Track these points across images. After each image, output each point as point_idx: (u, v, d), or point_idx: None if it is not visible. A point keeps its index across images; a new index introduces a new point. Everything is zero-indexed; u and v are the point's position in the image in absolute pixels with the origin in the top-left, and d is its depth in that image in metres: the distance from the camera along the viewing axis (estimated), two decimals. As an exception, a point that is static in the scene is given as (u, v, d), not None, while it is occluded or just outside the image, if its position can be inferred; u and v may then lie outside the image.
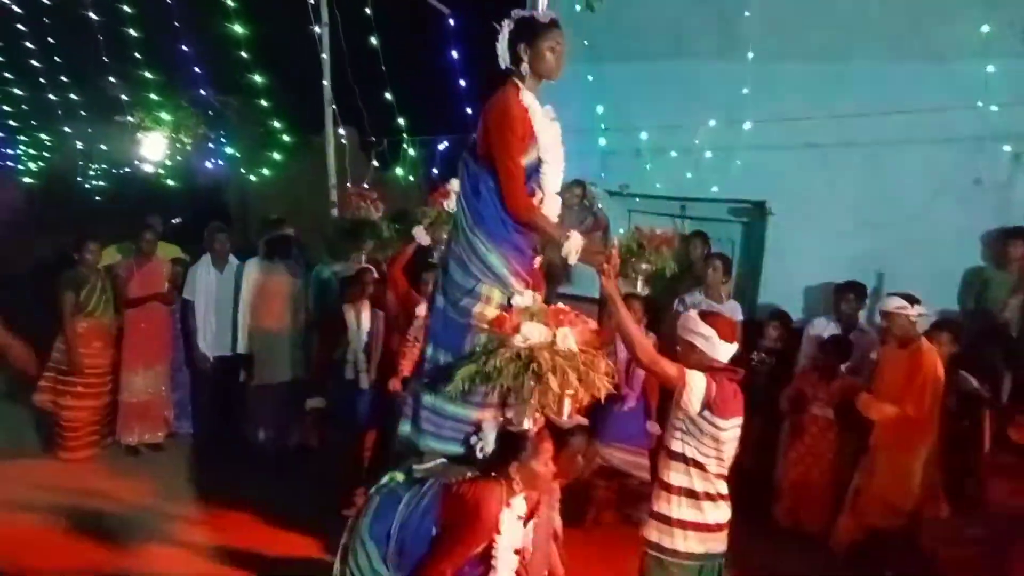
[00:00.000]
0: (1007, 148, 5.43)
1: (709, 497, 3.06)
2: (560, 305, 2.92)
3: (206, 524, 4.77)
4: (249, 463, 5.72)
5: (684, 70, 6.14)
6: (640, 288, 4.87)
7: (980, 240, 5.55)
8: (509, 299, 2.87)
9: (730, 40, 5.64)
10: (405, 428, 3.09)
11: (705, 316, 3.20)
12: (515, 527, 2.74)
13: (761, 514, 5.09)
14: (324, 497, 4.73)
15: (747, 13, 5.30)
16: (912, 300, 4.44)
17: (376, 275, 5.29)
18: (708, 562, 3.10)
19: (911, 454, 4.39)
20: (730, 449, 3.10)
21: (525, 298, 2.83)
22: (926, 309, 4.52)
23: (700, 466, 3.05)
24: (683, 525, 3.05)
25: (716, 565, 3.14)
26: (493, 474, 2.74)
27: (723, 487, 3.13)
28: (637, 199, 6.55)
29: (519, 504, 2.76)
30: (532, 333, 2.66)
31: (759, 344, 5.55)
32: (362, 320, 5.08)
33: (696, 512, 3.05)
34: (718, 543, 3.10)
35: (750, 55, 5.43)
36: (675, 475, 3.07)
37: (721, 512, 3.10)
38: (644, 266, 4.91)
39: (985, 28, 5.29)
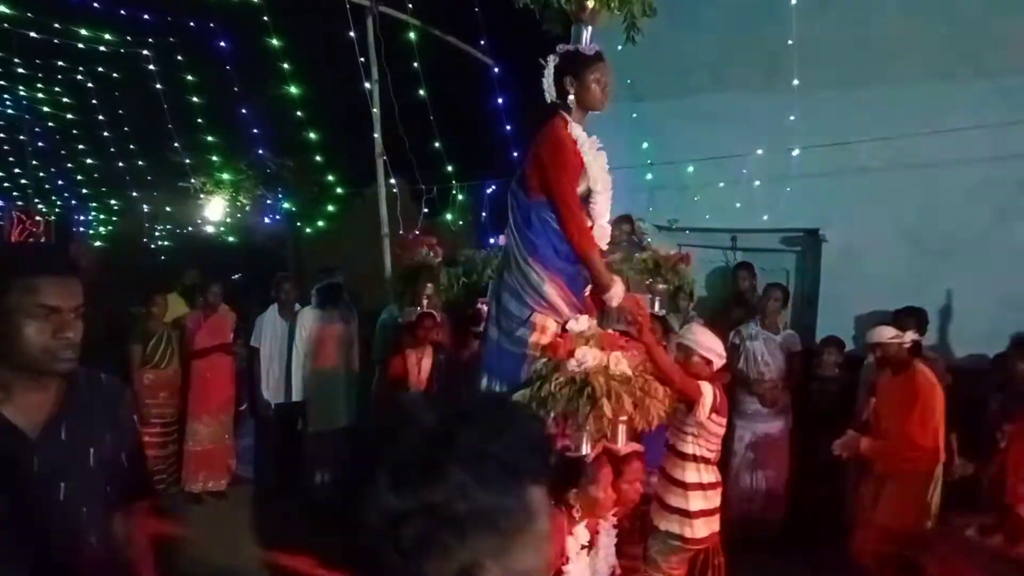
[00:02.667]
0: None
1: (713, 487, 3.60)
2: (612, 332, 2.92)
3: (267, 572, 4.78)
4: (308, 509, 5.74)
5: (728, 102, 6.15)
6: (657, 308, 4.85)
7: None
8: (564, 326, 2.88)
9: (774, 69, 5.64)
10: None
11: (708, 332, 3.74)
12: (580, 556, 2.69)
13: (833, 546, 4.87)
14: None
15: (790, 42, 5.30)
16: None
17: (438, 320, 5.34)
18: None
19: (918, 480, 4.24)
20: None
21: (580, 323, 2.83)
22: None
23: (707, 460, 3.58)
24: (699, 515, 3.53)
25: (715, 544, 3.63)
26: (552, 501, 2.70)
27: (718, 474, 3.68)
28: (687, 233, 6.51)
29: (582, 532, 2.71)
30: (587, 357, 2.66)
31: (817, 373, 5.40)
32: (423, 365, 5.11)
33: (705, 501, 3.56)
34: (717, 524, 3.61)
35: (795, 82, 5.42)
36: (689, 474, 3.55)
37: (718, 496, 3.65)
38: (661, 286, 4.90)
39: (1038, 42, 5.19)
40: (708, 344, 3.62)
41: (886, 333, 4.34)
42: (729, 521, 4.93)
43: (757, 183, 5.95)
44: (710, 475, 3.61)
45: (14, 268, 1.60)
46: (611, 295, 2.91)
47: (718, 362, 3.65)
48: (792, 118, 5.54)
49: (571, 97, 2.89)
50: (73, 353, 1.63)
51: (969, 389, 4.91)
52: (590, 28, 2.98)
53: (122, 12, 7.82)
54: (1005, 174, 5.41)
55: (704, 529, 3.54)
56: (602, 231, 3.07)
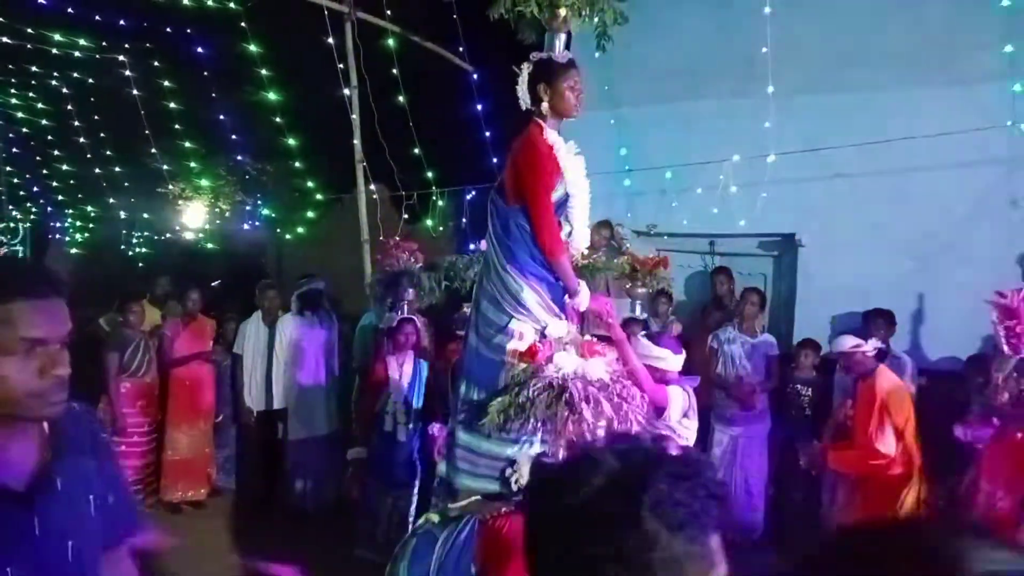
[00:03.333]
0: (1041, 167, 5.37)
1: None
2: (591, 338, 2.95)
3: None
4: (289, 518, 5.71)
5: (705, 108, 6.22)
6: (638, 312, 4.90)
7: (1020, 261, 5.44)
8: (543, 332, 2.90)
9: (749, 75, 5.70)
10: (442, 467, 3.10)
11: (653, 339, 3.77)
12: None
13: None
14: (362, 550, 4.70)
15: (764, 49, 5.37)
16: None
17: (419, 325, 5.34)
18: None
19: (888, 486, 4.19)
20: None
21: (559, 328, 2.85)
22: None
23: None
24: None
25: None
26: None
27: None
28: (665, 238, 6.57)
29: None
30: (565, 362, 2.68)
31: (794, 375, 5.46)
32: (404, 371, 5.10)
33: None
34: None
35: (770, 89, 5.49)
36: None
37: None
38: (640, 290, 4.95)
39: (1009, 48, 5.29)
40: (658, 354, 3.64)
41: (847, 343, 4.36)
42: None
43: (734, 188, 6.00)
44: None
45: None
46: (578, 300, 2.95)
47: (680, 360, 3.70)
48: (767, 124, 5.60)
49: (545, 104, 2.92)
50: (64, 392, 1.35)
51: (943, 392, 4.98)
52: (563, 36, 3.02)
53: (97, 17, 7.76)
54: (977, 178, 5.51)
55: None
56: (580, 235, 3.11)
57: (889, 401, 4.17)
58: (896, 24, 5.65)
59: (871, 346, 4.38)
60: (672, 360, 3.69)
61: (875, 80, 5.70)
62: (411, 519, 4.83)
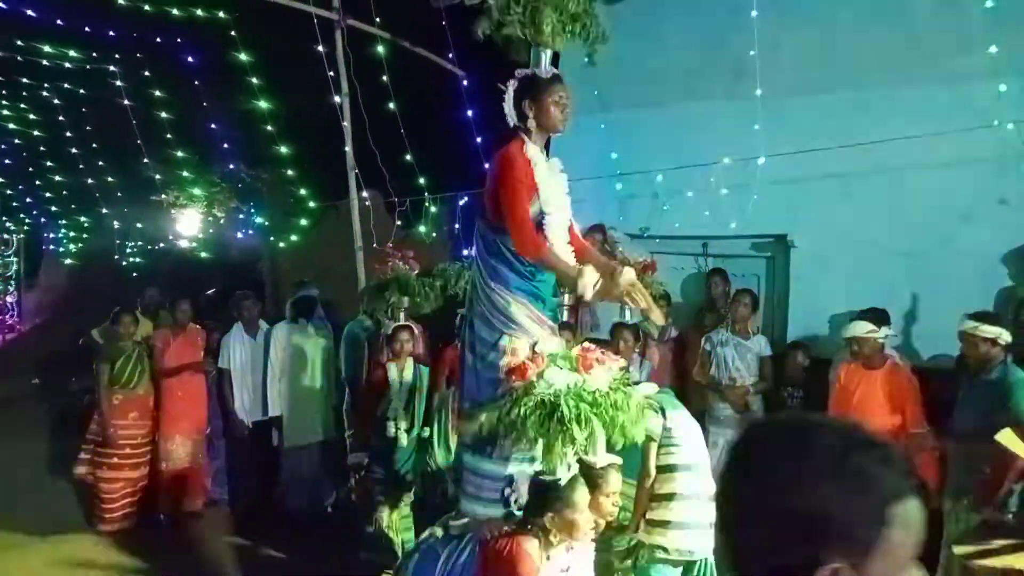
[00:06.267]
0: (1029, 165, 5.39)
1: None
2: (588, 344, 2.94)
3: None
4: (285, 527, 5.72)
5: (695, 111, 6.23)
6: (628, 317, 4.91)
7: (1010, 260, 5.47)
8: (534, 347, 2.90)
9: (738, 78, 5.72)
10: (452, 489, 3.12)
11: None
12: (559, 580, 2.71)
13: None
14: (360, 559, 4.71)
15: (752, 52, 5.39)
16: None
17: (415, 332, 5.35)
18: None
19: None
20: None
21: (551, 343, 2.85)
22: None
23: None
24: (687, 527, 3.48)
25: (707, 562, 3.52)
26: (529, 527, 2.71)
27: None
28: (658, 241, 6.59)
29: (559, 555, 2.72)
30: (557, 379, 2.67)
31: (786, 377, 5.49)
32: (404, 377, 5.12)
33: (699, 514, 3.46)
34: (709, 541, 3.47)
35: (758, 91, 5.50)
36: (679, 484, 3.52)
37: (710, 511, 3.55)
38: None
39: (993, 49, 5.31)
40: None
41: (863, 328, 4.45)
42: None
43: (724, 191, 6.02)
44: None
45: None
46: (581, 286, 2.72)
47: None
48: (756, 126, 5.62)
49: (530, 120, 2.91)
50: None
51: (936, 390, 5.01)
52: (549, 52, 3.01)
53: (87, 28, 7.74)
54: (966, 178, 5.52)
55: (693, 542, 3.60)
56: (560, 252, 3.07)
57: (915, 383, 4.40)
58: (881, 25, 5.65)
59: (883, 333, 4.50)
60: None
61: (862, 81, 5.71)
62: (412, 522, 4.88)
